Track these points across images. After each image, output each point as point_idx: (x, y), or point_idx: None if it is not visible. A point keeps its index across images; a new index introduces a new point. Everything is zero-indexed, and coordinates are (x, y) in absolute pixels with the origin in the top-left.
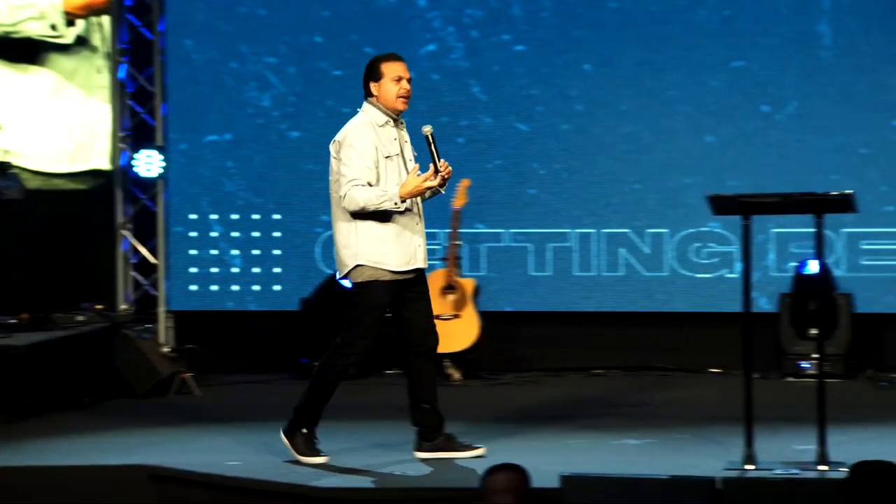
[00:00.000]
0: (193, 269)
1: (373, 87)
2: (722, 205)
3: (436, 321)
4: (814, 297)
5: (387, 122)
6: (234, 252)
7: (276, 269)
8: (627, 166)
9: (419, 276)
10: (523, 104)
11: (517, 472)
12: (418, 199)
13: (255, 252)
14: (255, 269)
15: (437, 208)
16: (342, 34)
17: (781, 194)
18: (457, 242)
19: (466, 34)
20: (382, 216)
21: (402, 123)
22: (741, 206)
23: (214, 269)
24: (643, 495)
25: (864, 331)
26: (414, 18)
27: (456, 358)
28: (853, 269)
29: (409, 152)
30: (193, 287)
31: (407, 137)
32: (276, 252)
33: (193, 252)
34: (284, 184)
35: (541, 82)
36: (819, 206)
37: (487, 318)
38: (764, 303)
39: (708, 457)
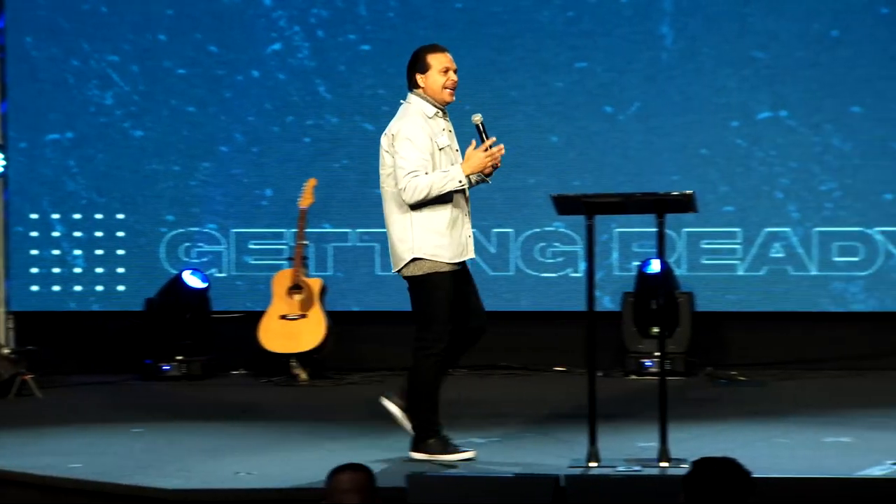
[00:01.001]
0: (35, 270)
1: (419, 78)
2: (566, 205)
3: (282, 321)
4: (656, 295)
5: (436, 114)
6: (77, 252)
7: (120, 269)
8: None
9: (466, 267)
10: (369, 104)
11: (362, 472)
12: (467, 193)
13: (99, 252)
14: (99, 269)
15: (285, 207)
16: (186, 33)
17: (624, 194)
18: (303, 242)
19: (312, 33)
20: (437, 208)
21: (446, 114)
22: (584, 206)
23: (56, 270)
24: (487, 494)
25: (705, 329)
26: (259, 17)
27: (303, 358)
28: (694, 268)
29: (455, 143)
30: (35, 287)
31: (452, 128)
32: (120, 252)
33: (35, 252)
34: (128, 183)
35: (387, 82)
36: (660, 206)
37: (334, 317)
38: (607, 301)
39: (552, 455)
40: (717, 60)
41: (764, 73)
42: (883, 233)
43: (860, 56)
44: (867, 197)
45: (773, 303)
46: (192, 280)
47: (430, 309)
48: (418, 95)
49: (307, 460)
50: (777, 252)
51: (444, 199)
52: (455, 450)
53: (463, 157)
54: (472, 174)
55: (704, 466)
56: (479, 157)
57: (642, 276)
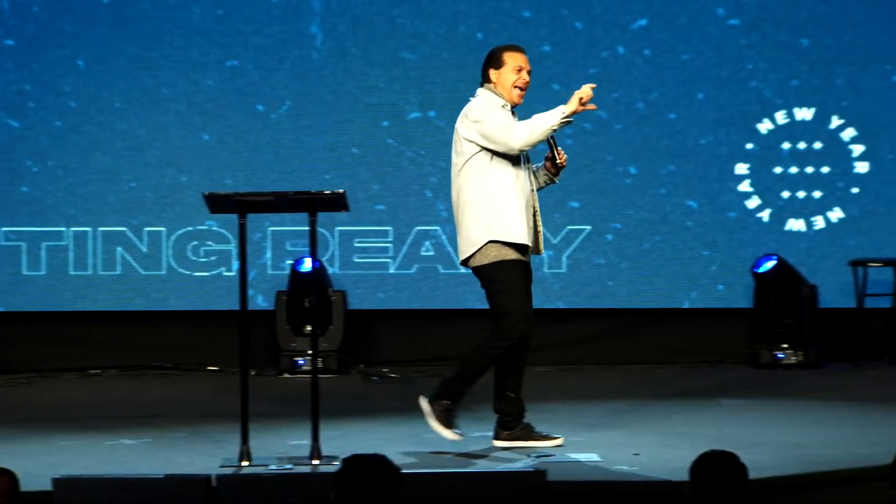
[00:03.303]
0: None
1: (493, 73)
2: (218, 203)
3: None
4: (309, 294)
5: (504, 106)
6: None
7: None
8: (123, 164)
9: (528, 262)
10: (14, 100)
11: (5, 476)
12: (533, 188)
13: None
14: None
15: None
16: None
17: (276, 193)
18: None
19: None
20: (509, 196)
21: (515, 114)
22: (237, 205)
23: None
24: (137, 495)
25: (357, 326)
26: None
27: None
28: (346, 267)
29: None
30: None
31: None
32: None
33: None
34: None
35: (32, 78)
36: (312, 204)
37: None
38: (261, 300)
39: (204, 455)
40: (366, 60)
41: (413, 74)
42: None
43: None
44: None
45: (424, 300)
46: None
47: (499, 299)
48: (488, 90)
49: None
50: (427, 250)
51: (512, 189)
52: (451, 426)
53: (534, 165)
54: (570, 114)
55: (355, 463)
56: (574, 97)
57: (295, 275)
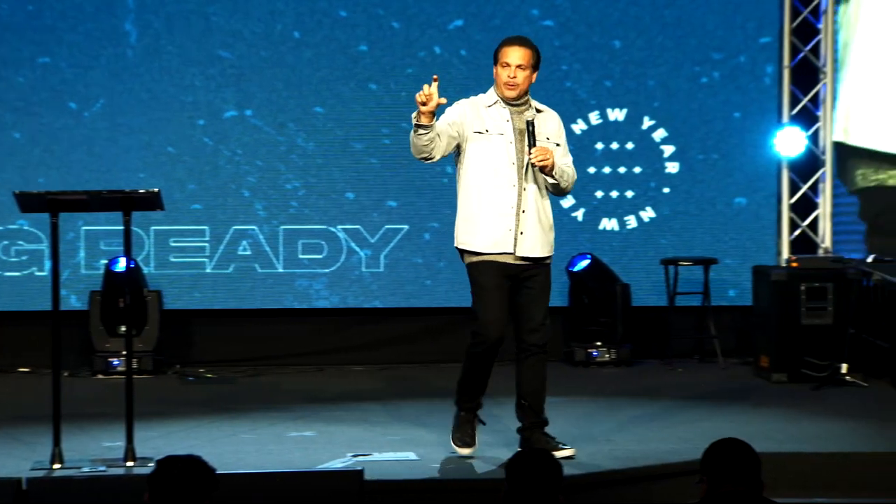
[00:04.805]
0: None
1: (494, 70)
2: (29, 202)
3: None
4: (123, 294)
5: (496, 103)
6: None
7: None
8: None
9: (534, 267)
10: None
11: None
12: (524, 187)
13: None
14: None
15: None
16: None
17: (89, 192)
18: None
19: None
20: (472, 196)
21: (526, 108)
22: (48, 204)
23: None
24: None
25: (173, 327)
26: None
27: None
28: (162, 266)
29: (526, 137)
30: None
31: (531, 118)
32: None
33: None
34: None
35: None
36: (127, 203)
37: None
38: (74, 300)
39: (14, 458)
40: (182, 59)
41: (230, 73)
42: (345, 230)
43: (321, 57)
44: (330, 196)
45: (241, 300)
46: None
47: (473, 300)
48: (494, 84)
49: None
50: (244, 250)
51: (477, 190)
52: (463, 444)
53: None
54: (414, 116)
55: (169, 465)
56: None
57: (110, 275)
